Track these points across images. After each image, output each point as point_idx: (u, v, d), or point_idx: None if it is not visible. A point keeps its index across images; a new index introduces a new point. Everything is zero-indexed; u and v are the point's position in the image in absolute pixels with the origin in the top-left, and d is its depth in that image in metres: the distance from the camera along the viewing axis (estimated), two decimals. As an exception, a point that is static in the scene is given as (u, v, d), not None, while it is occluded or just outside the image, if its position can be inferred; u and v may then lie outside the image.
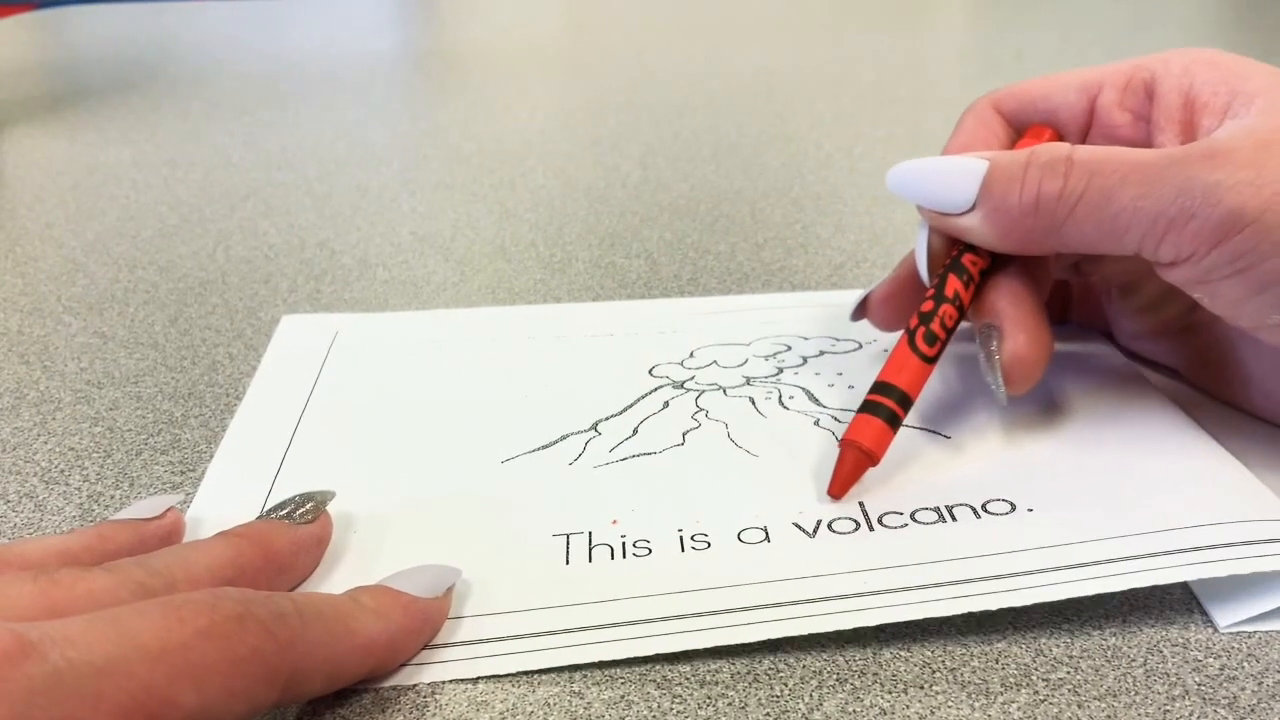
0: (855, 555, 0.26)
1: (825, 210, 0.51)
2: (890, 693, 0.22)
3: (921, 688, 0.23)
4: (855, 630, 0.24)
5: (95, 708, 0.18)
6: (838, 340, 0.37)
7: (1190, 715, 0.22)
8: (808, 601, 0.24)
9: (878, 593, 0.24)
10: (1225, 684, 0.22)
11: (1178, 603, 0.25)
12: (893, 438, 0.28)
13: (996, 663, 0.23)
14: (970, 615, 0.24)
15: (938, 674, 0.23)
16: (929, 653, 0.24)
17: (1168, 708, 0.22)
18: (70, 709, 0.17)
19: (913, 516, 0.27)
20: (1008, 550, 0.25)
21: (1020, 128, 0.32)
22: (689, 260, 0.46)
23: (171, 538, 0.27)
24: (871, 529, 0.27)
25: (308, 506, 0.27)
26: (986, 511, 0.27)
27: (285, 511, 0.27)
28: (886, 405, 0.28)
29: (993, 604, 0.24)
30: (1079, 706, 0.22)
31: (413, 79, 0.89)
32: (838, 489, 0.28)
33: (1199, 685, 0.22)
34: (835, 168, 0.58)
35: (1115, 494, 0.27)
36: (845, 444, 0.28)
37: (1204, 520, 0.25)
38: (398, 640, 0.23)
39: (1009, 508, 0.27)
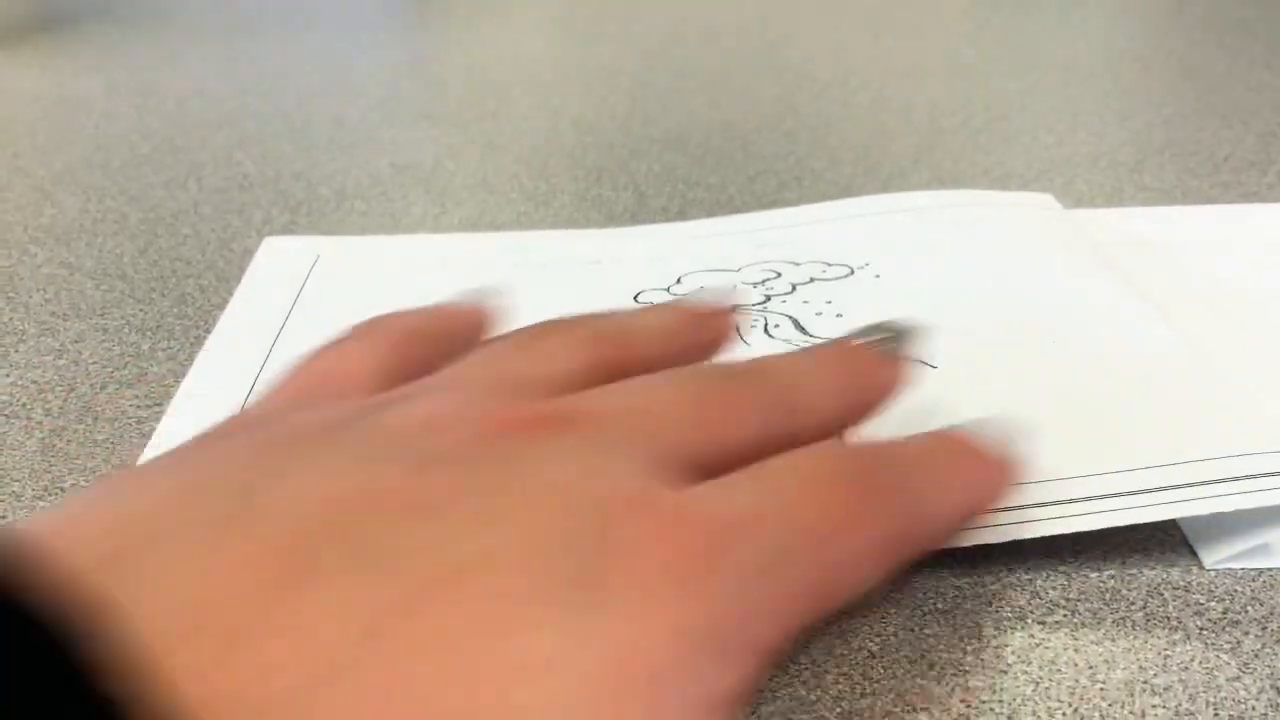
0: None
1: (819, 143, 0.50)
2: (879, 636, 0.22)
3: (912, 630, 0.22)
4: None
5: (782, 598, 0.16)
6: (829, 265, 0.36)
7: (1192, 660, 0.21)
8: None
9: None
10: (1228, 629, 0.22)
11: (1178, 544, 0.24)
12: None
13: (990, 605, 0.22)
14: (964, 555, 0.23)
15: (929, 616, 0.22)
16: (920, 595, 0.23)
17: (1168, 653, 0.21)
18: (766, 600, 0.16)
19: None
20: None
21: None
22: (678, 193, 0.44)
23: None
24: None
25: (895, 341, 0.23)
26: None
27: (877, 339, 0.23)
28: None
29: (989, 538, 0.23)
30: (1075, 651, 0.21)
31: (393, 5, 0.86)
32: None
33: (1200, 629, 0.22)
34: (830, 99, 0.56)
35: (1111, 425, 0.26)
36: None
37: (1200, 455, 0.24)
38: (987, 491, 0.21)
39: None
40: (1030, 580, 0.23)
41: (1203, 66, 0.59)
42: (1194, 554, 0.24)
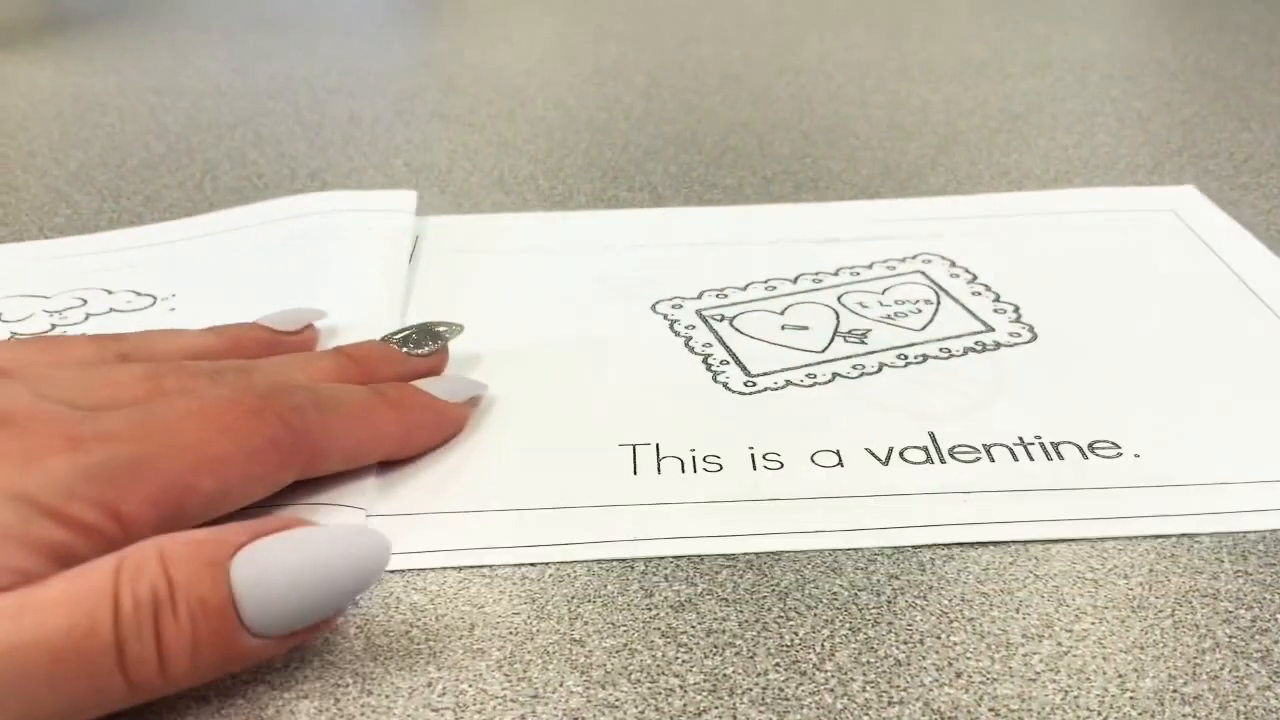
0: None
1: (836, 144, 0.49)
2: (905, 643, 0.21)
3: (938, 638, 0.22)
4: (869, 577, 0.23)
5: (131, 493, 0.21)
6: (138, 295, 0.36)
7: (1221, 669, 0.21)
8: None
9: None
10: (1258, 637, 0.21)
11: (1207, 551, 0.24)
12: None
13: (1017, 612, 0.22)
14: (990, 564, 0.23)
15: (955, 624, 0.22)
16: (946, 601, 0.22)
17: (1198, 661, 0.21)
18: (108, 493, 0.20)
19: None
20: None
21: None
22: (695, 194, 0.44)
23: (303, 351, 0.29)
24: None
25: (427, 348, 0.29)
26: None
27: (403, 337, 0.29)
28: None
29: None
30: (1104, 659, 0.21)
31: (409, 4, 0.86)
32: None
33: (1230, 638, 0.21)
34: (846, 100, 0.56)
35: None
36: None
37: None
38: (412, 433, 0.26)
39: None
40: (1057, 588, 0.23)
41: (1221, 68, 0.59)
42: (1221, 561, 0.23)
